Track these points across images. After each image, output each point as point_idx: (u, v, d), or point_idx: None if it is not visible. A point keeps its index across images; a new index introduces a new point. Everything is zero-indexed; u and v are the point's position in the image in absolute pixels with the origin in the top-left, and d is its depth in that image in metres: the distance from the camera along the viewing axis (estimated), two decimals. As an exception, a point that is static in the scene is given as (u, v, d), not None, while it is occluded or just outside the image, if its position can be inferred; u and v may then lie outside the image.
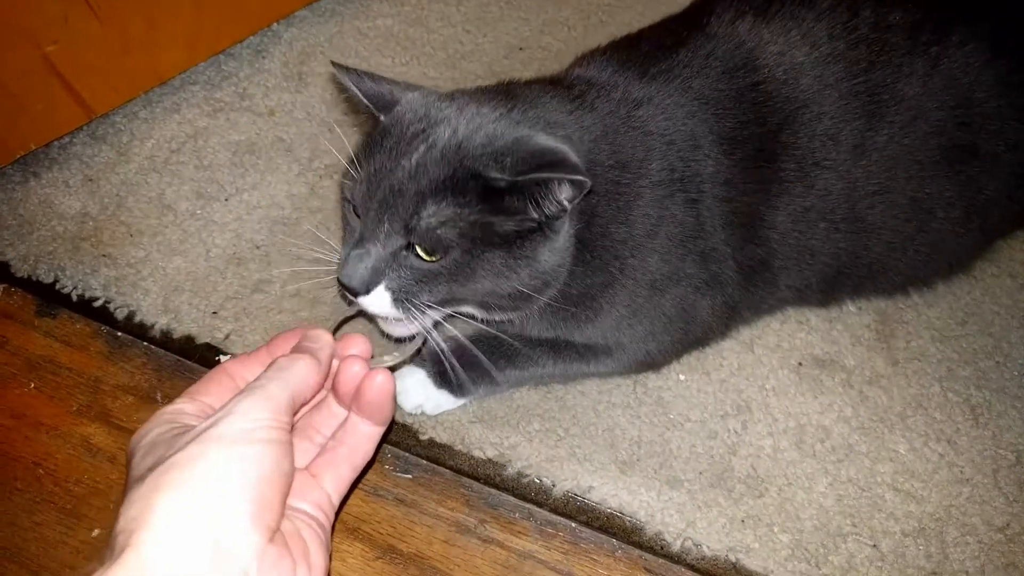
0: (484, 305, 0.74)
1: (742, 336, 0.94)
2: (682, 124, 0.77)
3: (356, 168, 0.69)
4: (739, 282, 0.84)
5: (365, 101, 0.72)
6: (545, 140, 0.67)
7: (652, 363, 0.88)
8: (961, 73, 0.81)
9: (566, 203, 0.66)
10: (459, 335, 0.79)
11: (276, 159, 1.10)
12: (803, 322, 0.96)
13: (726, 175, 0.78)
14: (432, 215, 0.65)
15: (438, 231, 0.65)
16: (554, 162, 0.65)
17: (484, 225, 0.66)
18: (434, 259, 0.67)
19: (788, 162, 0.80)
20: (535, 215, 0.66)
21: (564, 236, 0.71)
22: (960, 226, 0.88)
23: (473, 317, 0.77)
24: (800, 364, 0.92)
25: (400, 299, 0.68)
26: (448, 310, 0.73)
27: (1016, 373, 0.93)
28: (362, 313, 0.76)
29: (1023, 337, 0.95)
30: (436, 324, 0.74)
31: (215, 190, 1.07)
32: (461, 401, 0.87)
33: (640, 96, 0.77)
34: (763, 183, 0.80)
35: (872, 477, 0.84)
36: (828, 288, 0.92)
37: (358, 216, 0.69)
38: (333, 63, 0.73)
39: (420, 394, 0.85)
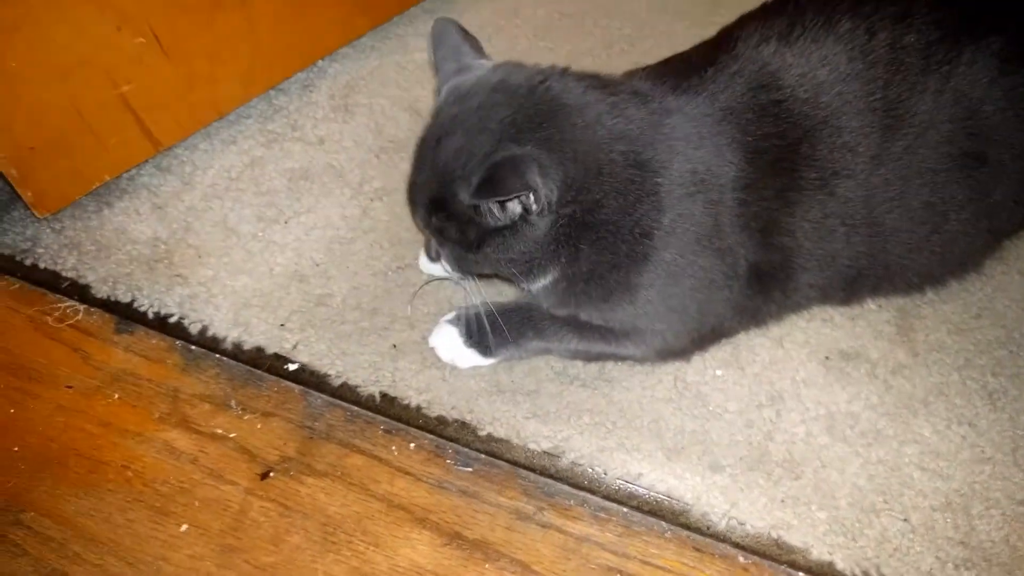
0: (500, 276, 0.94)
1: (772, 333, 1.01)
2: (708, 132, 0.86)
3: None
4: (758, 281, 0.91)
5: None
6: (511, 167, 0.77)
7: (670, 351, 0.95)
8: (970, 89, 0.88)
9: (526, 211, 0.80)
10: (490, 303, 0.92)
11: (329, 184, 1.19)
12: (828, 319, 1.03)
13: (746, 180, 0.86)
14: (432, 223, 0.84)
15: (439, 232, 0.85)
16: (509, 185, 0.76)
17: (464, 228, 0.82)
18: (446, 248, 0.87)
19: (808, 172, 0.88)
20: (502, 221, 0.81)
21: (537, 230, 0.82)
22: (970, 227, 0.95)
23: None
24: (827, 358, 0.99)
25: (450, 268, 0.90)
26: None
27: (1029, 361, 0.99)
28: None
29: (1033, 328, 1.02)
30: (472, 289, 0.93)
31: (274, 213, 1.15)
32: (488, 361, 0.97)
33: (672, 106, 0.87)
34: (782, 190, 0.88)
35: (900, 458, 0.91)
36: (849, 287, 0.98)
37: None
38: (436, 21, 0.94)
39: (451, 350, 0.97)
